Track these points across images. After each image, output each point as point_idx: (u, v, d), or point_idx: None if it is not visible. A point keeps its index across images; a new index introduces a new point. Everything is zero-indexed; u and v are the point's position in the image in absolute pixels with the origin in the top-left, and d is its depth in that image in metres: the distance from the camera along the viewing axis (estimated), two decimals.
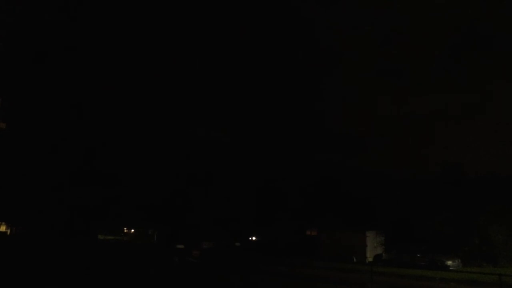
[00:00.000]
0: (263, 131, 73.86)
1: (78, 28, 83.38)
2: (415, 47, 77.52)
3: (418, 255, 27.66)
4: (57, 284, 16.60)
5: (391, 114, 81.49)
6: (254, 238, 45.71)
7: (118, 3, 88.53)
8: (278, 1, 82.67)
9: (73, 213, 47.65)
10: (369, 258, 31.18)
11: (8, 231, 57.02)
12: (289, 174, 48.47)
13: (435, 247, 29.16)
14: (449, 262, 26.10)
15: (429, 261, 26.48)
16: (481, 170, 35.91)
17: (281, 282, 20.14)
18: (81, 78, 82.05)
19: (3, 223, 58.85)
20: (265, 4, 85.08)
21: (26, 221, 50.02)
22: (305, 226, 41.40)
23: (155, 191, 53.41)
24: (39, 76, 72.17)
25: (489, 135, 65.34)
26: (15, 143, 40.44)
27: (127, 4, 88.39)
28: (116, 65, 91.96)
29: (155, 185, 53.47)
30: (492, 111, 71.90)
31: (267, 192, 46.82)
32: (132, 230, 70.39)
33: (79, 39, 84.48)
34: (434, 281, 20.78)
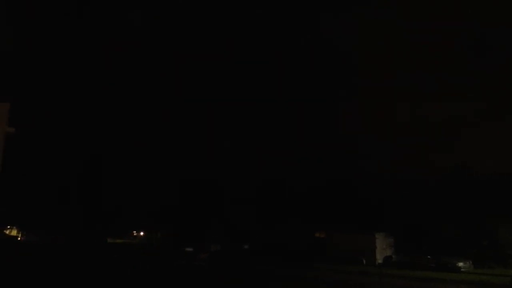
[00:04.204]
0: (275, 134, 73.78)
1: (86, 36, 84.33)
2: (426, 54, 77.26)
3: (429, 256, 27.35)
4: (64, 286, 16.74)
5: (400, 118, 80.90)
6: (262, 240, 45.54)
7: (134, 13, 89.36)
8: (293, 7, 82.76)
9: (82, 217, 47.97)
10: (379, 260, 30.87)
11: (20, 235, 57.68)
12: (298, 176, 48.34)
13: (445, 249, 28.83)
14: (460, 264, 25.77)
15: (440, 263, 26.17)
16: (490, 172, 35.43)
17: (288, 284, 20.03)
18: (92, 84, 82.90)
19: (14, 227, 59.55)
20: (279, 8, 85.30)
21: (36, 226, 50.51)
22: (314, 228, 41.15)
23: (164, 195, 53.61)
24: (47, 81, 73.01)
25: (498, 137, 64.52)
26: (25, 148, 40.93)
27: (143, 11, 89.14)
28: (119, 68, 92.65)
29: (164, 190, 53.70)
30: (500, 114, 70.98)
31: (275, 194, 46.67)
32: (142, 233, 70.68)
33: (90, 48, 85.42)
34: (444, 283, 20.50)
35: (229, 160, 55.50)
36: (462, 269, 25.24)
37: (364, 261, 31.23)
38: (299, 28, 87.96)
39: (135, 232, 72.23)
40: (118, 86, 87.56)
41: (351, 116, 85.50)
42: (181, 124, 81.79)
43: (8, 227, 58.38)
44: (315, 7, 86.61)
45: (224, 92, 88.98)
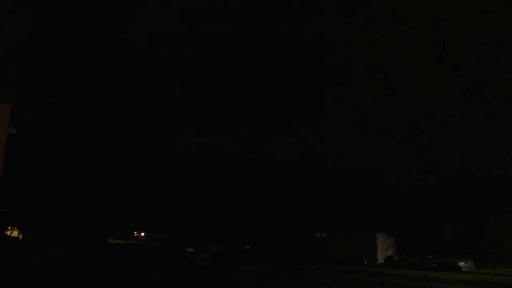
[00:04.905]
0: (276, 134, 73.99)
1: (87, 36, 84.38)
2: (427, 52, 77.39)
3: (430, 256, 27.29)
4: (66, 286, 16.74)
5: (400, 118, 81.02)
6: (263, 241, 45.54)
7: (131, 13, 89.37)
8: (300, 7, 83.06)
9: (83, 217, 47.95)
10: (380, 259, 30.84)
11: (21, 236, 57.64)
12: (298, 176, 48.31)
13: (446, 248, 28.77)
14: (462, 263, 25.70)
15: (441, 263, 26.11)
16: (492, 170, 35.48)
17: (291, 284, 20.02)
18: (95, 83, 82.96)
19: (15, 228, 59.50)
20: (284, 9, 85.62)
21: (37, 226, 50.49)
22: (314, 228, 41.13)
23: (165, 195, 53.60)
24: (48, 82, 73.03)
25: (500, 136, 64.60)
26: (26, 148, 40.91)
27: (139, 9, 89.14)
28: (119, 68, 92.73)
29: (165, 190, 53.67)
30: (502, 112, 71.08)
31: (277, 194, 46.65)
32: (142, 234, 70.69)
33: (90, 48, 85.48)
34: (446, 283, 20.47)
35: (229, 160, 55.50)
36: (463, 269, 25.15)
37: (365, 261, 31.19)
38: (300, 28, 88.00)
39: (135, 232, 72.22)
40: (118, 85, 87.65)
41: (352, 116, 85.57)
42: (181, 124, 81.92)
43: (9, 228, 58.36)
44: (317, 7, 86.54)
45: (224, 92, 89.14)
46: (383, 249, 31.90)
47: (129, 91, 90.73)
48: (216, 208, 48.71)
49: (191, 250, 37.17)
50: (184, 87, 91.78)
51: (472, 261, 26.54)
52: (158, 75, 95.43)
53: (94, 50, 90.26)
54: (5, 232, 54.29)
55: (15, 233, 59.42)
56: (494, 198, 30.70)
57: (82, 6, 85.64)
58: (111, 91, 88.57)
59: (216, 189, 50.83)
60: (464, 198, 31.79)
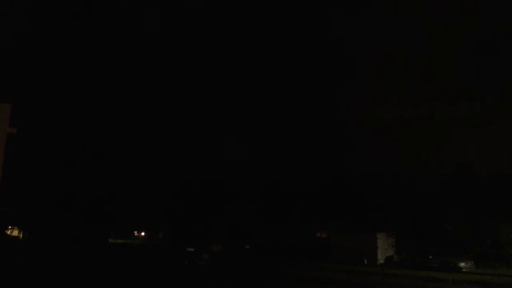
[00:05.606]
0: (276, 133, 74.08)
1: (86, 34, 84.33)
2: (430, 54, 77.56)
3: (430, 256, 27.32)
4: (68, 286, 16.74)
5: (401, 118, 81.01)
6: (263, 241, 45.56)
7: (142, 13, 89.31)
8: (301, 7, 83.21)
9: (83, 217, 47.98)
10: (380, 260, 30.86)
11: (21, 236, 57.63)
12: (299, 176, 48.34)
13: (447, 249, 28.80)
14: (462, 264, 25.73)
15: (441, 263, 26.14)
16: (493, 171, 35.50)
17: (292, 285, 20.03)
18: (93, 84, 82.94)
19: (16, 227, 59.51)
20: (286, 9, 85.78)
21: (37, 226, 50.51)
22: (315, 228, 41.12)
23: (165, 195, 53.62)
24: (49, 81, 73.04)
25: (500, 136, 64.69)
26: (26, 148, 40.91)
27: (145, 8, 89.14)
28: (126, 71, 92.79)
29: (165, 190, 53.70)
30: (501, 114, 71.14)
31: (277, 194, 46.64)
32: (143, 233, 70.69)
33: (90, 46, 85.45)
34: (446, 283, 20.46)
35: (230, 160, 55.57)
36: (463, 269, 25.18)
37: (366, 261, 31.21)
38: (302, 28, 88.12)
39: (136, 232, 72.22)
40: (119, 86, 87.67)
41: (353, 117, 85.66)
42: (182, 124, 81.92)
43: (10, 227, 58.36)
44: (327, 8, 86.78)
45: (225, 92, 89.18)
46: (383, 249, 31.92)
47: (130, 91, 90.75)
48: (217, 208, 48.74)
49: (191, 250, 37.14)
50: (186, 87, 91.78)
51: (472, 261, 26.56)
52: (157, 75, 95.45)
53: (93, 49, 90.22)
54: (5, 232, 54.30)
55: (15, 233, 59.41)
56: (494, 198, 30.71)
57: (88, 5, 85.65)
58: (112, 91, 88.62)
59: (215, 188, 50.83)
60: (464, 198, 31.80)
